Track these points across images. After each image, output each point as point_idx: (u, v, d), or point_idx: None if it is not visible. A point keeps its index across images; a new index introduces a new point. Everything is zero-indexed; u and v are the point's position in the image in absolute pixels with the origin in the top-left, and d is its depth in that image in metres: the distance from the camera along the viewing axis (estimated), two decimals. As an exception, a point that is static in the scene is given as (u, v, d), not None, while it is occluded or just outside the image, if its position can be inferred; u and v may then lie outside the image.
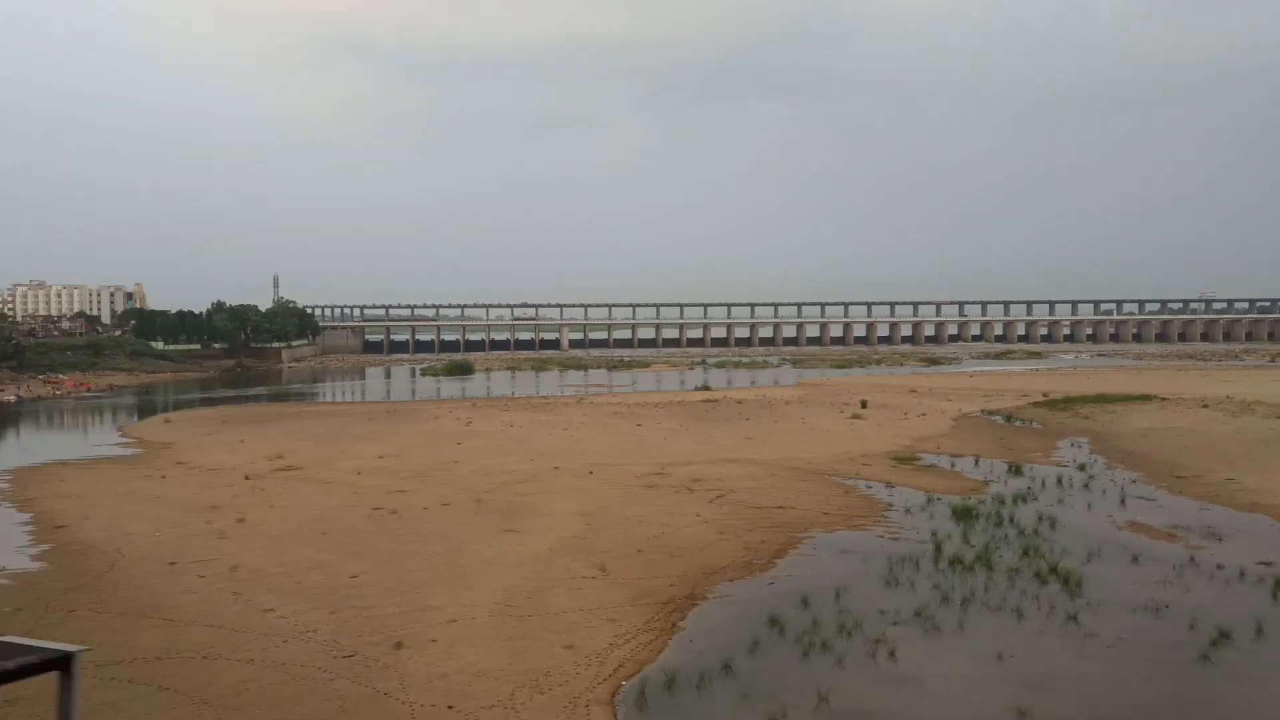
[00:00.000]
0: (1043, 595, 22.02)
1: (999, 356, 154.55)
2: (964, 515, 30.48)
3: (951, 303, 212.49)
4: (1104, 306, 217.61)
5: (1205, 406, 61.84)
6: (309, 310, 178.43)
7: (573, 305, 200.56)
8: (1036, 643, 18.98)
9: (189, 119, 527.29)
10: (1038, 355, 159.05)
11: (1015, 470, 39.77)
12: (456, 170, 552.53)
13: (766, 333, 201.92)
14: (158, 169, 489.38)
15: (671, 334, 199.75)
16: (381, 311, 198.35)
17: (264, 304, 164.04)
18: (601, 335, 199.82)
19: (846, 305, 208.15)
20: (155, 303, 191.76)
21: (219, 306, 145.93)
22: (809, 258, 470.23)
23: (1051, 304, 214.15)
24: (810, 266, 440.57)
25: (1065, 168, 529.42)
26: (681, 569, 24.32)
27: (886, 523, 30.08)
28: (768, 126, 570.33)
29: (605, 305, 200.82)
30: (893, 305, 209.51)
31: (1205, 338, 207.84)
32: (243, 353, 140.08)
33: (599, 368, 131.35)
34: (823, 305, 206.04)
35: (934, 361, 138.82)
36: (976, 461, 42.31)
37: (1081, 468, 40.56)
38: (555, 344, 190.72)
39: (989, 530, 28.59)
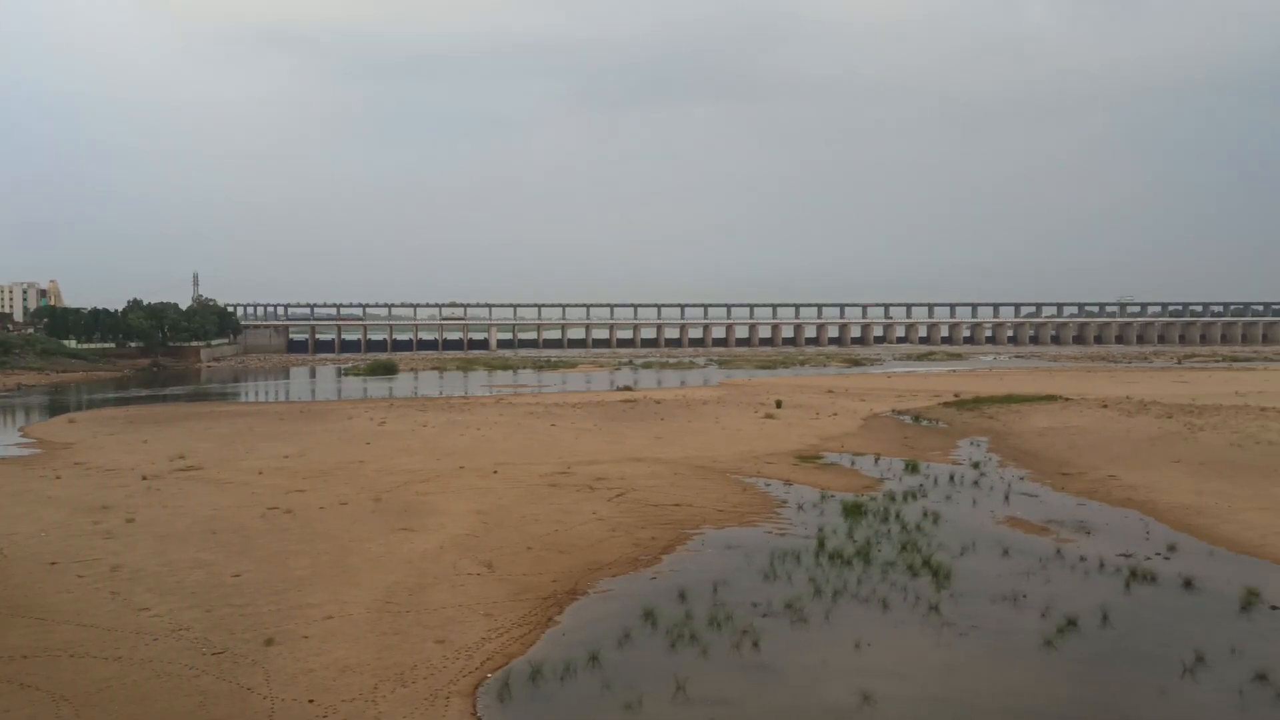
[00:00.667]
0: (911, 587, 22.84)
1: (921, 358, 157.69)
2: (853, 512, 31.33)
3: (877, 305, 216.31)
4: (1025, 309, 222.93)
5: (1104, 406, 63.86)
6: (230, 309, 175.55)
7: (501, 305, 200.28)
8: (895, 632, 19.74)
9: (106, 105, 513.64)
10: (958, 356, 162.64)
11: (912, 468, 40.88)
12: (385, 167, 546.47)
13: (696, 334, 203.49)
14: (73, 158, 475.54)
15: (601, 334, 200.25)
16: (306, 310, 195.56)
17: (184, 302, 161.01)
18: (531, 335, 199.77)
19: (775, 307, 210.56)
20: (71, 300, 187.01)
21: (135, 304, 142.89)
22: (742, 260, 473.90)
23: (974, 306, 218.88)
24: (743, 269, 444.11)
25: (996, 176, 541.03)
26: (568, 565, 24.73)
27: (777, 519, 30.82)
28: (703, 128, 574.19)
29: (534, 305, 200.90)
30: (820, 307, 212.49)
31: (1120, 340, 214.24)
32: (160, 352, 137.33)
33: (525, 368, 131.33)
34: (751, 307, 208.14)
35: (857, 362, 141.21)
36: (877, 460, 43.40)
37: (975, 465, 41.83)
38: (484, 344, 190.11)
39: (874, 526, 29.45)
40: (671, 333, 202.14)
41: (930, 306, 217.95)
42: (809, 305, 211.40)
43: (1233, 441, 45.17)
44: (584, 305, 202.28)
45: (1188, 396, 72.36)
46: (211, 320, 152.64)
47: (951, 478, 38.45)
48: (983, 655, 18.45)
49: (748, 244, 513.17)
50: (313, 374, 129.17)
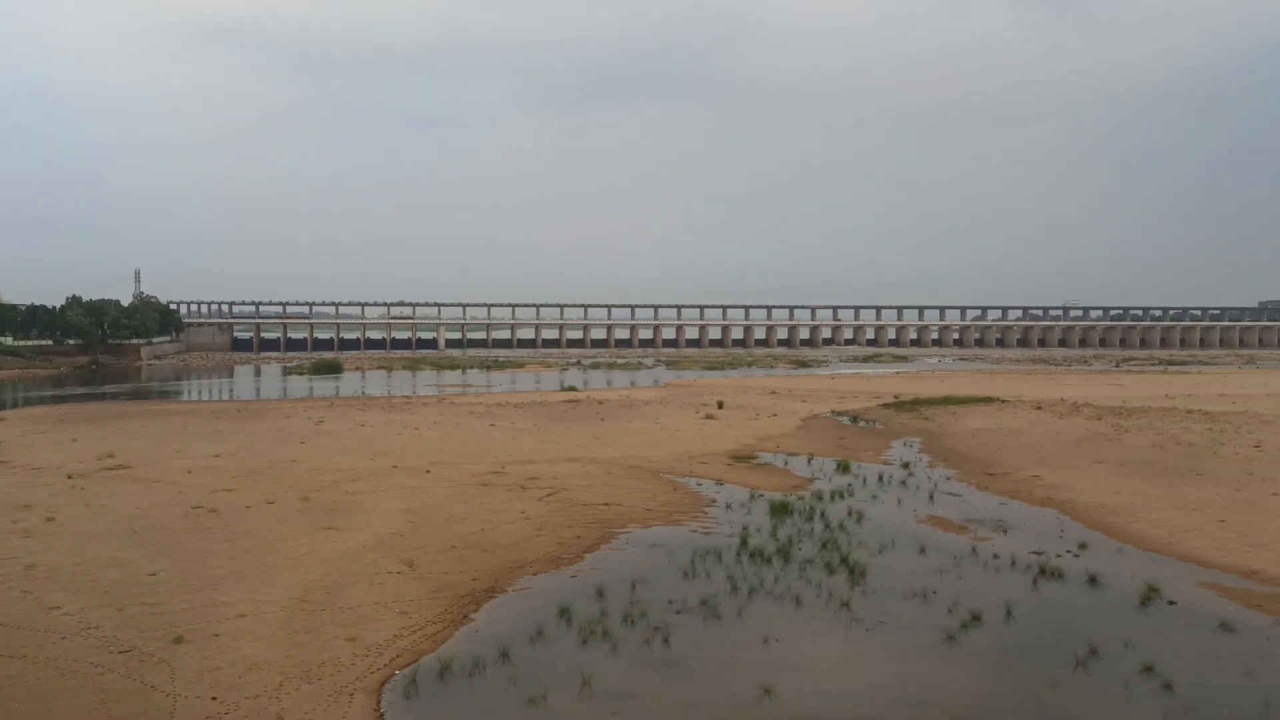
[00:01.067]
0: (826, 584, 23.26)
1: (867, 359, 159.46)
2: (779, 511, 31.76)
3: (826, 307, 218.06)
4: (971, 313, 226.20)
5: (1038, 408, 65.07)
6: (173, 306, 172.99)
7: (450, 305, 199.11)
8: (805, 628, 20.12)
9: (47, 97, 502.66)
10: (904, 359, 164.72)
11: (843, 468, 41.47)
12: (335, 163, 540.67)
13: (647, 335, 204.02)
14: (8, 151, 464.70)
15: (551, 335, 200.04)
16: (251, 308, 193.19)
17: (126, 299, 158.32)
18: (480, 335, 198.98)
19: (725, 308, 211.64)
20: (9, 296, 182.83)
21: (75, 301, 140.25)
22: (695, 261, 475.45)
23: (920, 309, 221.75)
24: (696, 269, 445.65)
25: (948, 180, 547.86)
26: (490, 564, 24.85)
27: (705, 518, 31.16)
28: (658, 128, 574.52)
29: (484, 305, 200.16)
30: (769, 309, 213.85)
31: (1063, 343, 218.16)
32: (99, 350, 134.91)
33: (472, 368, 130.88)
34: (701, 308, 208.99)
35: (803, 364, 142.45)
36: (810, 460, 43.96)
37: (905, 466, 42.53)
38: (433, 344, 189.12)
39: (798, 525, 29.89)
40: (622, 333, 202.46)
41: (878, 309, 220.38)
42: (758, 307, 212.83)
43: (1155, 443, 46.35)
44: (534, 305, 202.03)
45: (1120, 399, 74.05)
46: (153, 318, 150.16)
47: (880, 478, 39.08)
48: (886, 650, 18.89)
49: (701, 245, 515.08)
50: (257, 373, 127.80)
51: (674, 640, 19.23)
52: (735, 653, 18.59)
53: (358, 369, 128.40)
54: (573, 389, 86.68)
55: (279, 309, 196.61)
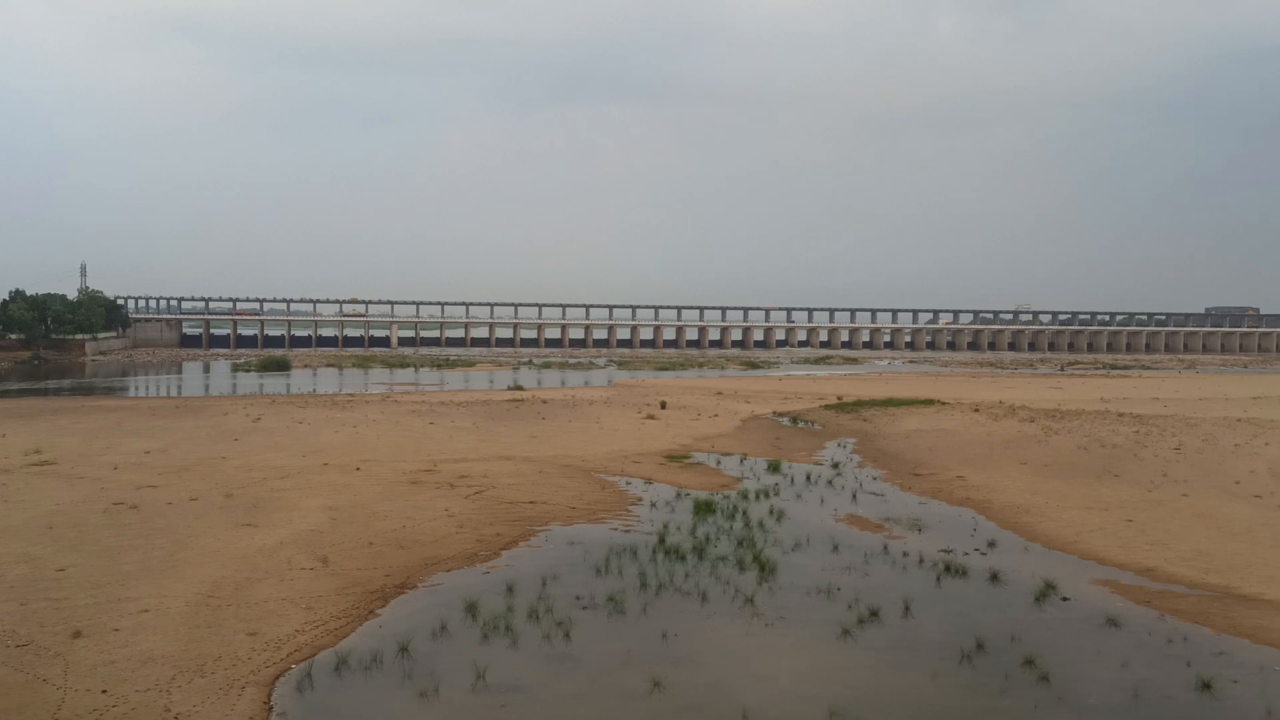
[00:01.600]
0: (735, 581, 23.69)
1: (818, 361, 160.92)
2: (703, 510, 32.18)
3: (780, 309, 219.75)
4: (923, 316, 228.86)
5: (976, 410, 66.20)
6: (121, 301, 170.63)
7: (404, 303, 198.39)
8: (705, 623, 20.53)
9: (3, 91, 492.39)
10: (854, 361, 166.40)
11: (774, 468, 42.03)
12: (291, 160, 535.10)
13: (601, 335, 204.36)
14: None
15: (506, 334, 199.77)
16: (201, 304, 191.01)
17: (72, 294, 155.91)
18: (434, 334, 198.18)
19: (679, 309, 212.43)
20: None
21: (18, 295, 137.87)
22: (654, 261, 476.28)
23: (873, 312, 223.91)
24: (654, 269, 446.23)
25: (906, 185, 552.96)
26: (405, 560, 25.03)
27: (628, 516, 31.52)
28: (619, 129, 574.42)
29: (438, 304, 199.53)
30: (724, 310, 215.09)
31: (1013, 347, 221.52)
32: (42, 345, 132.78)
33: (423, 366, 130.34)
34: (656, 309, 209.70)
35: (754, 365, 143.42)
36: (742, 460, 44.48)
37: (835, 466, 43.19)
38: (385, 342, 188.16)
39: (718, 523, 30.33)
40: (576, 333, 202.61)
41: (831, 312, 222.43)
42: (713, 308, 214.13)
43: (1080, 445, 47.43)
44: (488, 304, 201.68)
45: (1057, 402, 75.55)
46: (99, 313, 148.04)
47: (808, 477, 39.69)
48: (779, 644, 19.34)
49: (660, 245, 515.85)
50: (206, 369, 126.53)
51: (574, 635, 19.54)
52: (632, 647, 18.94)
53: (306, 366, 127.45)
54: (519, 388, 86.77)
55: (228, 305, 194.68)
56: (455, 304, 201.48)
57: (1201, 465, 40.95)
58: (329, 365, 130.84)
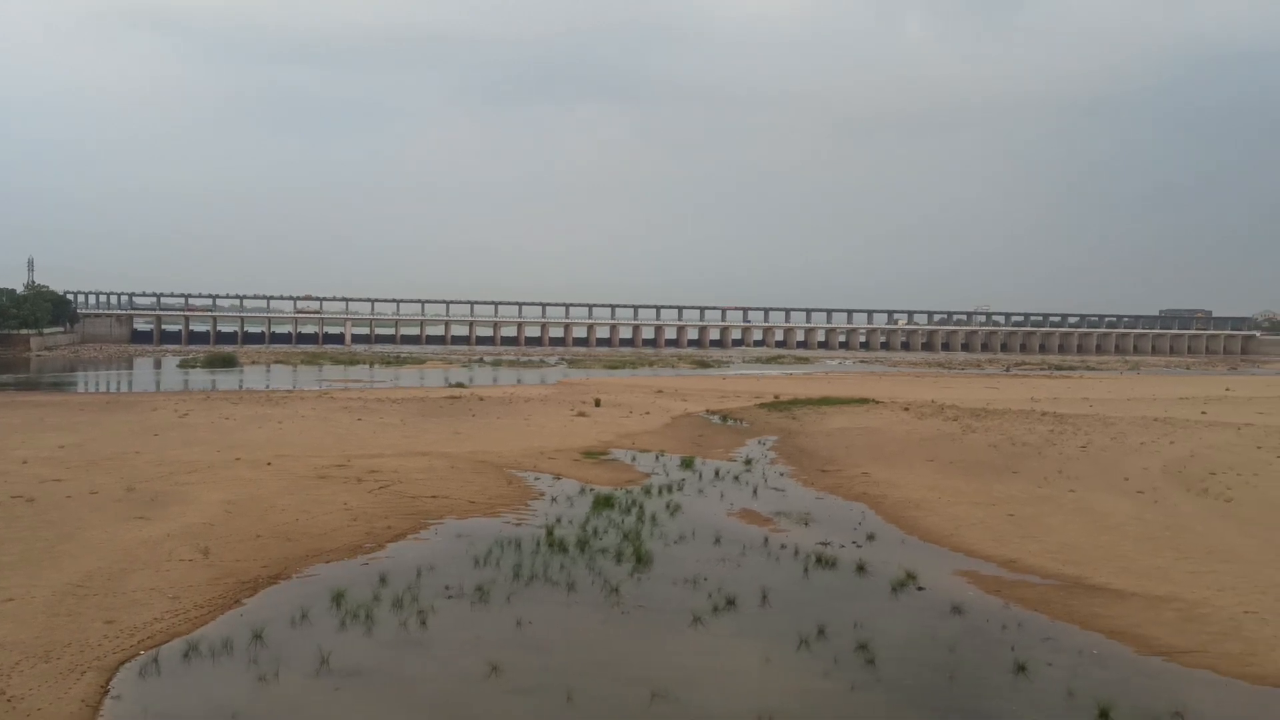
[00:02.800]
0: (608, 571, 24.34)
1: (770, 361, 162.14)
2: (602, 504, 32.84)
3: (737, 308, 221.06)
4: (878, 317, 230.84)
5: (906, 409, 67.16)
6: (69, 296, 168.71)
7: (359, 299, 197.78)
8: (565, 611, 21.17)
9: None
10: (805, 360, 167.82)
11: (687, 464, 42.72)
12: (254, 158, 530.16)
13: (557, 333, 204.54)
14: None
15: (461, 331, 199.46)
16: (152, 300, 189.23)
17: (20, 289, 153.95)
18: (389, 331, 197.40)
19: (636, 308, 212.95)
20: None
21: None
22: (622, 261, 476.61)
23: (829, 312, 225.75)
24: (623, 269, 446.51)
25: (867, 187, 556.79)
26: (289, 552, 25.45)
27: (525, 510, 32.09)
28: (590, 128, 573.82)
29: (393, 300, 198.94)
30: (680, 310, 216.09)
31: (966, 348, 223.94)
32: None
33: (374, 363, 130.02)
34: (613, 307, 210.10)
35: (705, 364, 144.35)
36: (658, 456, 45.15)
37: (748, 462, 43.98)
38: (340, 339, 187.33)
39: (612, 517, 30.98)
40: (533, 331, 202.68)
41: (787, 311, 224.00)
42: (669, 308, 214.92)
43: (993, 442, 48.52)
44: (444, 302, 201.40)
45: (987, 401, 76.80)
46: (45, 308, 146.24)
47: (717, 473, 40.46)
48: (627, 631, 20.03)
49: (630, 245, 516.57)
50: (158, 365, 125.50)
51: (431, 622, 20.11)
52: (484, 634, 19.52)
53: (254, 363, 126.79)
54: (460, 385, 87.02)
55: (180, 300, 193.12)
56: (411, 301, 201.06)
57: (1100, 463, 42.11)
58: (277, 362, 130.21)
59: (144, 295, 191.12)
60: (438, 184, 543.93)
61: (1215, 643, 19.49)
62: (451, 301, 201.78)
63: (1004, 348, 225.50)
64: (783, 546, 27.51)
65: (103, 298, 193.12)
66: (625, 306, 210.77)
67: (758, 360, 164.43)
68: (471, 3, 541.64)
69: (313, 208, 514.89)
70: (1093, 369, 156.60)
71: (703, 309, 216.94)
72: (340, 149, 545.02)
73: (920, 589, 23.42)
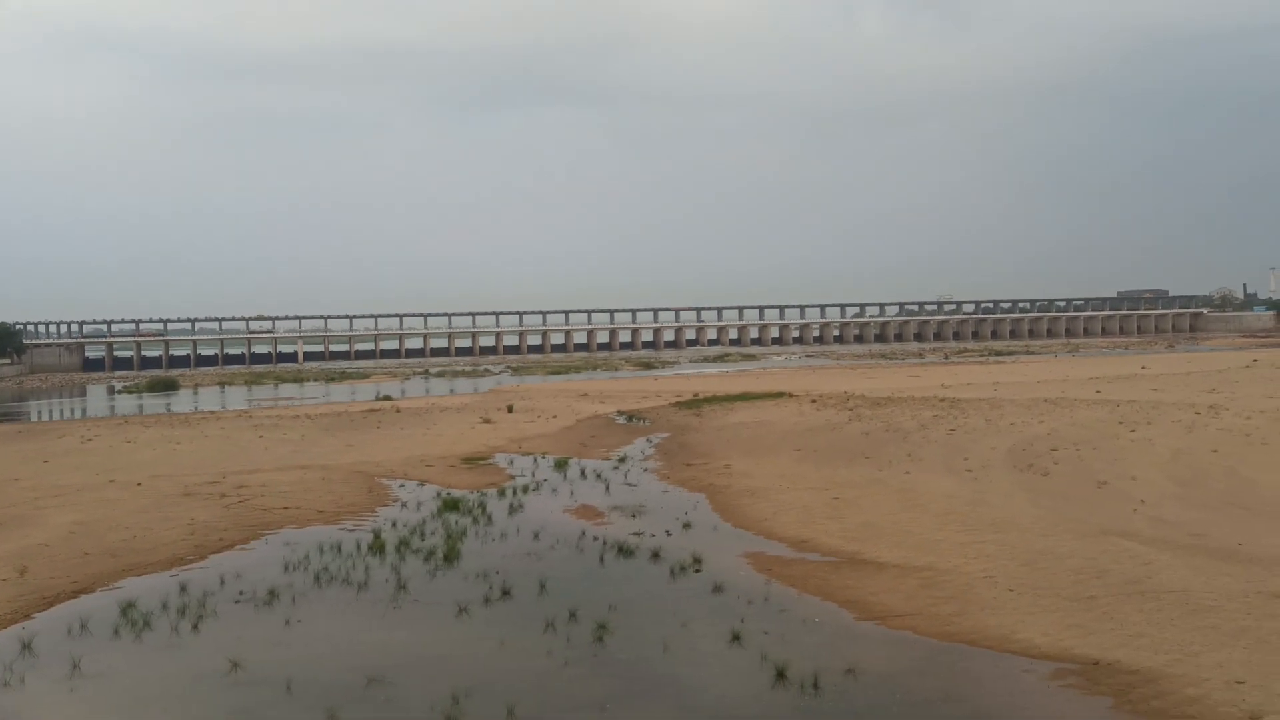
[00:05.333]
0: (411, 571, 25.54)
1: (717, 359, 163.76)
2: (449, 507, 34.03)
3: (690, 309, 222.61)
4: (830, 310, 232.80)
5: (813, 401, 68.71)
6: (16, 326, 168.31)
7: (311, 317, 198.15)
8: (344, 609, 22.39)
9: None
10: (753, 357, 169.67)
11: (560, 465, 43.92)
12: (213, 176, 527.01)
13: (512, 340, 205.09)
14: None
15: (416, 344, 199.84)
16: (103, 327, 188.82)
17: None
18: (343, 347, 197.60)
19: (590, 313, 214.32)
20: None
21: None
22: (594, 264, 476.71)
23: (782, 309, 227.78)
24: (590, 271, 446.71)
25: (834, 183, 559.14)
26: (108, 568, 26.50)
27: (371, 516, 33.26)
28: (553, 134, 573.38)
29: (346, 316, 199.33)
30: (634, 312, 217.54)
31: (919, 338, 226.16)
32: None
33: (316, 380, 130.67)
34: (567, 313, 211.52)
35: (648, 365, 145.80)
36: (537, 459, 46.36)
37: (621, 460, 45.26)
38: (294, 356, 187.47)
39: (451, 519, 32.17)
40: (487, 340, 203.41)
41: (740, 310, 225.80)
42: (623, 310, 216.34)
43: (867, 430, 50.02)
44: (397, 315, 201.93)
45: (898, 389, 78.46)
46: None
47: (583, 472, 41.74)
48: (390, 624, 21.24)
49: (588, 247, 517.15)
50: (111, 392, 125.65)
51: (204, 626, 21.25)
52: (246, 634, 20.69)
53: (196, 385, 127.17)
54: (388, 398, 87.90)
55: (132, 327, 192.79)
56: (364, 316, 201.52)
57: (955, 445, 43.60)
58: (220, 383, 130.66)
59: (94, 323, 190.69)
60: (400, 198, 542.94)
61: (934, 606, 20.93)
62: (405, 315, 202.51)
63: (956, 335, 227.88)
64: (595, 539, 28.76)
65: (54, 327, 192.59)
66: (579, 312, 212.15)
67: (706, 359, 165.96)
68: (424, 17, 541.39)
69: (279, 227, 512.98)
70: (1034, 353, 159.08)
71: (656, 310, 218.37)
72: (305, 166, 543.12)
73: (697, 572, 24.71)
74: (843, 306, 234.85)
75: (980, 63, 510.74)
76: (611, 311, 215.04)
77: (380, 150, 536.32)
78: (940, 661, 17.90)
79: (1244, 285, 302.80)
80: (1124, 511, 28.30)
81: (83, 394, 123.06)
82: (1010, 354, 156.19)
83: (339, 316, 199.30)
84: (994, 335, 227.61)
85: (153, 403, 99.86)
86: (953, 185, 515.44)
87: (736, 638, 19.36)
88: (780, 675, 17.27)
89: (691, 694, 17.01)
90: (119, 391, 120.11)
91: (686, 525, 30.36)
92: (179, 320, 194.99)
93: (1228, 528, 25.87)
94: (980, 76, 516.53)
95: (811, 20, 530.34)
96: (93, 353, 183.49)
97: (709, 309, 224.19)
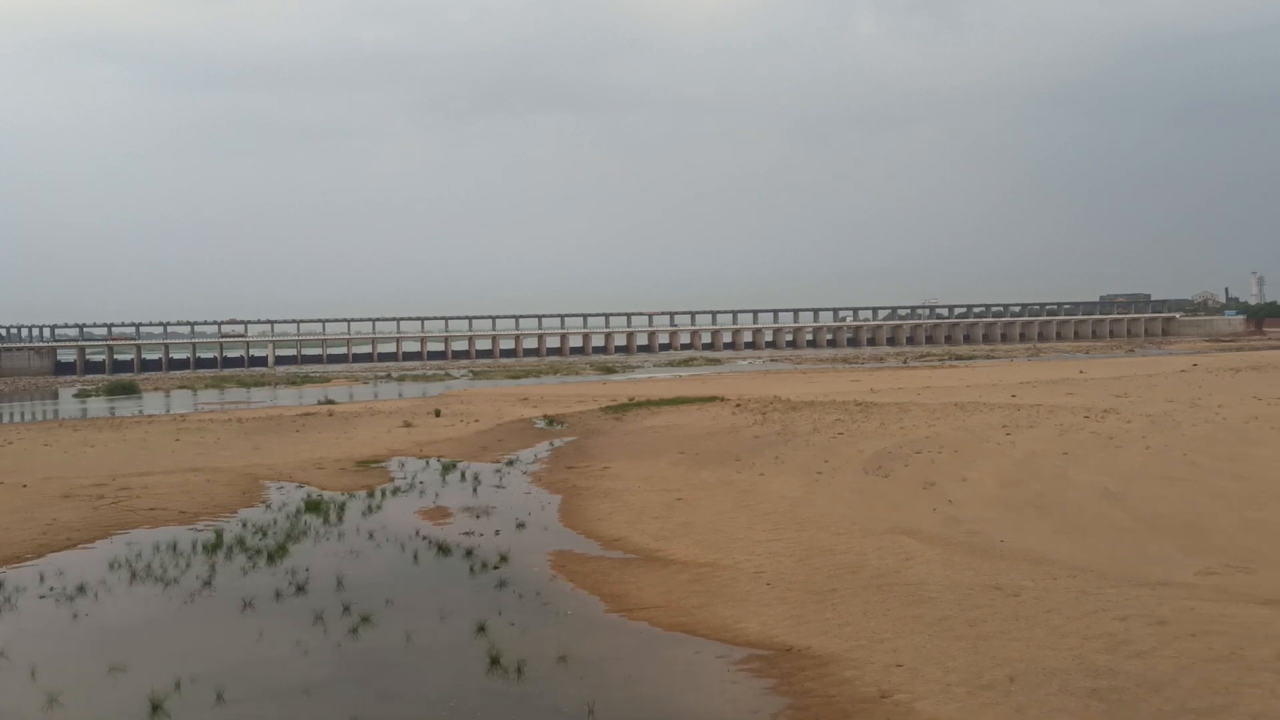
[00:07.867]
0: (229, 569, 26.67)
1: (681, 364, 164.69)
2: (309, 508, 35.13)
3: (663, 313, 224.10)
4: (803, 315, 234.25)
5: (738, 405, 69.79)
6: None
7: (284, 321, 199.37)
8: (143, 606, 23.49)
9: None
10: (715, 361, 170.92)
11: (448, 469, 44.99)
12: (205, 182, 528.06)
13: (485, 345, 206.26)
14: None
15: (389, 348, 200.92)
16: (75, 331, 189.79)
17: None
18: (316, 351, 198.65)
19: (563, 317, 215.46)
20: None
21: None
22: (584, 272, 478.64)
23: (755, 313, 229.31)
24: (581, 276, 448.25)
25: (824, 187, 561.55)
26: (-57, 565, 27.60)
27: (229, 518, 34.31)
28: (547, 140, 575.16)
29: (319, 320, 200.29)
30: (607, 316, 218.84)
31: (891, 342, 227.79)
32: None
33: (279, 384, 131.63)
34: (539, 318, 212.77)
35: (609, 370, 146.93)
36: (428, 462, 47.48)
37: (510, 463, 46.36)
38: (265, 360, 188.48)
39: (302, 519, 33.26)
40: (460, 345, 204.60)
41: (714, 314, 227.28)
42: (596, 315, 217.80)
43: (759, 434, 51.13)
44: (369, 320, 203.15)
45: (826, 394, 79.54)
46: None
47: (463, 475, 42.81)
48: (176, 617, 22.42)
49: (584, 250, 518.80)
50: (82, 398, 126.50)
51: (-4, 618, 22.40)
52: (29, 624, 21.83)
53: (157, 389, 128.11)
54: (331, 402, 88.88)
55: (104, 330, 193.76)
56: (337, 320, 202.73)
57: (830, 448, 44.67)
58: (181, 387, 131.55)
59: (67, 326, 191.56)
60: (392, 201, 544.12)
61: (685, 599, 22.10)
62: (378, 319, 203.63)
63: (929, 339, 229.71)
64: (424, 539, 29.89)
65: (25, 330, 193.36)
66: (551, 316, 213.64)
67: (669, 364, 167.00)
68: (415, 20, 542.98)
69: (273, 231, 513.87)
70: (993, 357, 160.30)
71: (629, 315, 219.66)
72: (298, 171, 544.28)
73: (496, 569, 25.83)
74: (816, 311, 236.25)
75: (971, 66, 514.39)
76: (585, 316, 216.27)
77: (371, 155, 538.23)
78: (649, 649, 19.05)
79: (1226, 289, 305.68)
80: (925, 511, 29.46)
81: (45, 398, 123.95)
82: (970, 358, 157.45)
83: (312, 320, 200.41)
84: (967, 339, 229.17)
85: (101, 406, 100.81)
86: (940, 188, 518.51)
87: (482, 629, 20.49)
88: (494, 662, 18.41)
89: (399, 678, 18.16)
90: (75, 395, 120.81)
91: (521, 525, 31.49)
92: (150, 324, 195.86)
93: (1007, 526, 27.06)
94: (970, 80, 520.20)
95: (804, 23, 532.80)
96: (65, 356, 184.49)
97: (682, 313, 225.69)
